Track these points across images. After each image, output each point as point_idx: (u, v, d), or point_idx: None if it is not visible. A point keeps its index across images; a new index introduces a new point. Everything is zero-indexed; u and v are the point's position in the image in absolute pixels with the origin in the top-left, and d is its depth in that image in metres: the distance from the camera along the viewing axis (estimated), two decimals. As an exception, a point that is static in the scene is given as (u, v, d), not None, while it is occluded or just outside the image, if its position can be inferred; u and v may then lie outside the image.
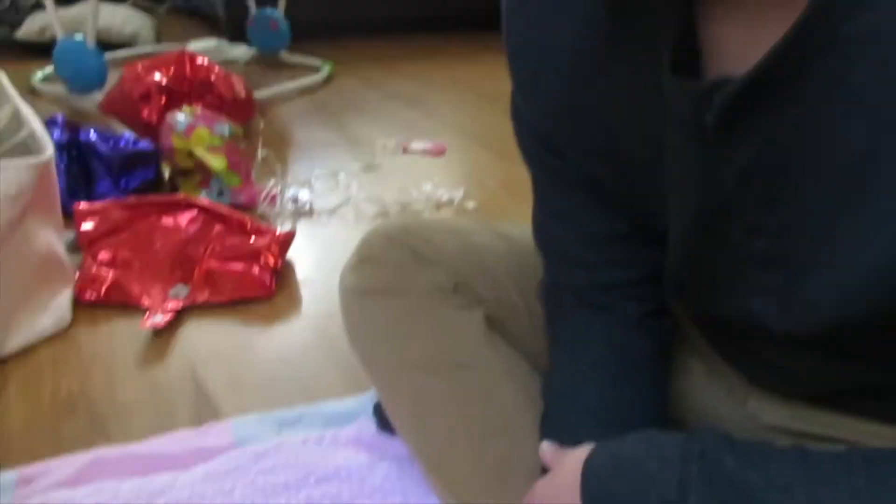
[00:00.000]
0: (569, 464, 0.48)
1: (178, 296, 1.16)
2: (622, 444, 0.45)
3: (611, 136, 0.49)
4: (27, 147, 1.07)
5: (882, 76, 0.34)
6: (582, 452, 0.47)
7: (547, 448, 0.54)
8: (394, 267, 0.68)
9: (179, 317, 1.11)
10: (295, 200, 1.50)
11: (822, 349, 0.46)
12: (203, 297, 1.15)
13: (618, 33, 0.45)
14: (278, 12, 2.56)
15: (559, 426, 0.57)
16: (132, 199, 1.28)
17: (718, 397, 0.61)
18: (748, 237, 0.43)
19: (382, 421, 0.84)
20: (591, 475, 0.45)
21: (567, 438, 0.53)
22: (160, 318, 1.08)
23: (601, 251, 0.57)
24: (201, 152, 1.44)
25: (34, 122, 1.10)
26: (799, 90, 0.37)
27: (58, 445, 0.86)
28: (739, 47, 0.40)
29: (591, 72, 0.48)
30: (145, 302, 1.13)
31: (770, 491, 0.39)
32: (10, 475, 0.81)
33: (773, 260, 0.43)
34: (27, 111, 1.11)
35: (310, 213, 1.48)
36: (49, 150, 1.07)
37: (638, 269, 0.57)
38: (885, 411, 0.50)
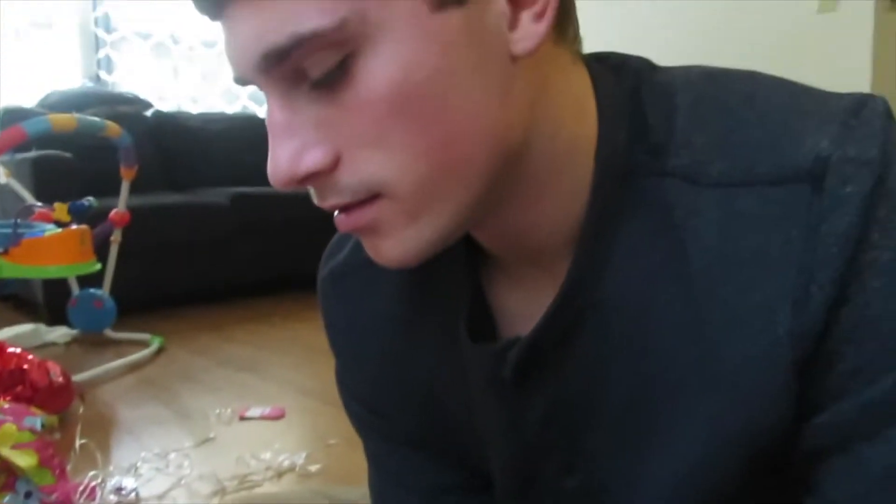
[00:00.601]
0: None
1: None
2: None
3: (429, 397, 0.52)
4: None
5: (630, 335, 0.41)
6: None
7: None
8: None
9: None
10: (118, 490, 1.36)
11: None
12: None
13: (423, 304, 0.51)
14: (103, 290, 2.51)
15: None
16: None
17: None
18: (560, 476, 0.47)
19: None
20: None
21: None
22: None
23: None
24: (6, 451, 1.29)
25: None
26: (572, 346, 0.43)
27: None
28: (523, 311, 0.46)
29: (404, 340, 0.52)
30: None
31: None
32: None
33: (587, 495, 0.46)
34: None
35: (136, 502, 1.35)
36: None
37: None
38: None
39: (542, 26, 0.37)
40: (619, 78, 0.43)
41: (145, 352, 2.33)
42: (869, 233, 0.35)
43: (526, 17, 0.37)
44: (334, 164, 0.36)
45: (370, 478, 0.61)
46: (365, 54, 0.34)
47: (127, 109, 3.40)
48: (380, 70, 0.34)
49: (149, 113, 3.57)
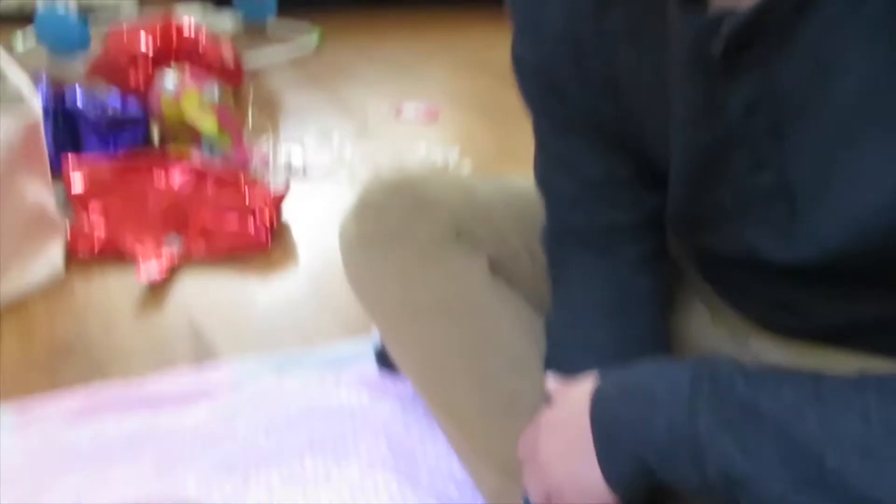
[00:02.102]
0: (575, 394, 0.48)
1: (171, 245, 1.15)
2: (630, 371, 0.45)
3: (613, 73, 0.49)
4: (13, 101, 1.05)
5: (870, 33, 0.34)
6: (588, 384, 0.47)
7: (553, 381, 0.55)
8: (396, 214, 0.67)
9: (175, 269, 1.11)
10: (288, 161, 1.49)
11: (823, 283, 0.47)
12: (199, 251, 1.15)
13: None
14: (266, -22, 2.52)
15: (563, 363, 0.57)
16: (123, 156, 1.27)
17: (720, 338, 0.61)
18: (752, 171, 0.44)
19: (384, 361, 0.86)
20: (599, 402, 0.45)
21: (571, 375, 0.53)
22: (156, 271, 1.08)
23: (601, 195, 0.57)
24: (192, 113, 1.42)
25: (20, 78, 1.08)
26: (807, 21, 0.36)
27: (55, 384, 0.87)
28: None
29: (593, 5, 0.48)
30: (140, 256, 1.13)
31: (781, 413, 0.37)
32: (9, 413, 0.82)
33: (777, 193, 0.43)
34: (12, 67, 1.09)
35: (303, 173, 1.47)
36: (37, 104, 1.05)
37: (638, 213, 0.57)
38: (889, 346, 0.50)
39: None
40: None
41: (305, 45, 2.39)
42: None
43: None
44: None
45: (536, 158, 0.61)
46: None
47: None
48: None
49: None
